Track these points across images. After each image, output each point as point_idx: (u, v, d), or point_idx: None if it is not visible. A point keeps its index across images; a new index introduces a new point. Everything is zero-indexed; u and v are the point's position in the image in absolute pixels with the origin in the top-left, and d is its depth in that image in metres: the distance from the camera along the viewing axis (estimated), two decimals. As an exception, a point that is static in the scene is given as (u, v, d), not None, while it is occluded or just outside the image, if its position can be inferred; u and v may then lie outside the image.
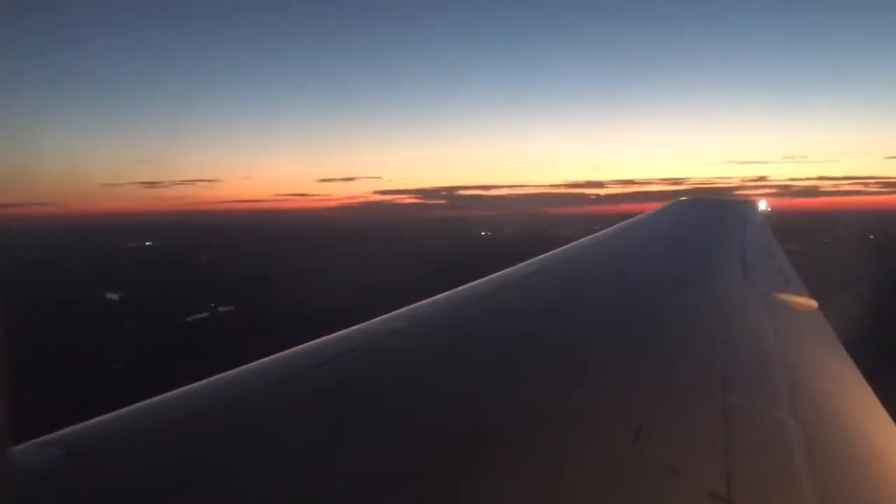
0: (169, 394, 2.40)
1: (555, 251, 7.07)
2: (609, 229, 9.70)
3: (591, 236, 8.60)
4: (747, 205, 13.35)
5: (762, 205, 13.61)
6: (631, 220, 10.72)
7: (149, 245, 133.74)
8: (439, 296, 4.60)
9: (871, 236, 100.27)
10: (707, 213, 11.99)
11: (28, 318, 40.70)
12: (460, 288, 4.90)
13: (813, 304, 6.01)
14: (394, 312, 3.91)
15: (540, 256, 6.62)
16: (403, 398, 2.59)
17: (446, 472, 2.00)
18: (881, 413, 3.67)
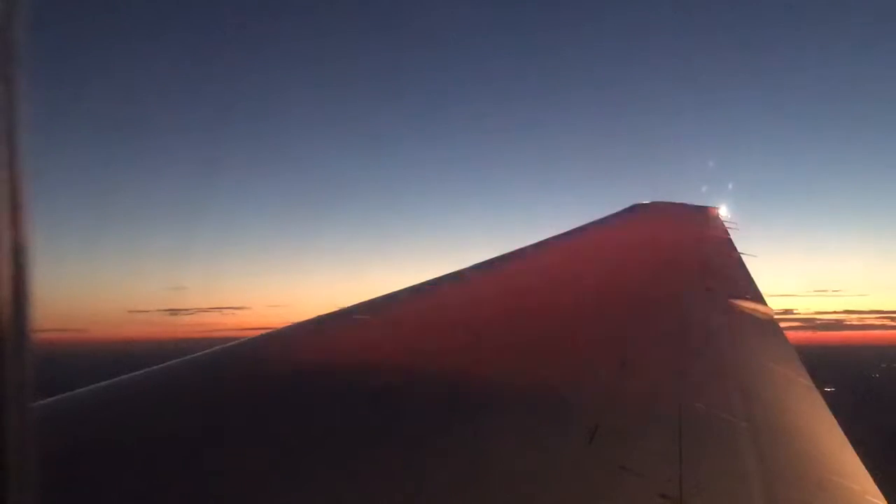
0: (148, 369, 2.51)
1: (523, 248, 6.76)
2: (574, 229, 9.41)
3: (557, 235, 8.22)
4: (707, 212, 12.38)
5: (723, 212, 12.42)
6: (596, 221, 10.12)
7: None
8: (400, 290, 4.49)
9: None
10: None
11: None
12: (422, 282, 4.73)
13: (770, 311, 5.94)
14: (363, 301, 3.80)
15: (509, 252, 6.29)
16: (362, 388, 2.54)
17: (406, 468, 1.96)
18: (830, 419, 3.73)
